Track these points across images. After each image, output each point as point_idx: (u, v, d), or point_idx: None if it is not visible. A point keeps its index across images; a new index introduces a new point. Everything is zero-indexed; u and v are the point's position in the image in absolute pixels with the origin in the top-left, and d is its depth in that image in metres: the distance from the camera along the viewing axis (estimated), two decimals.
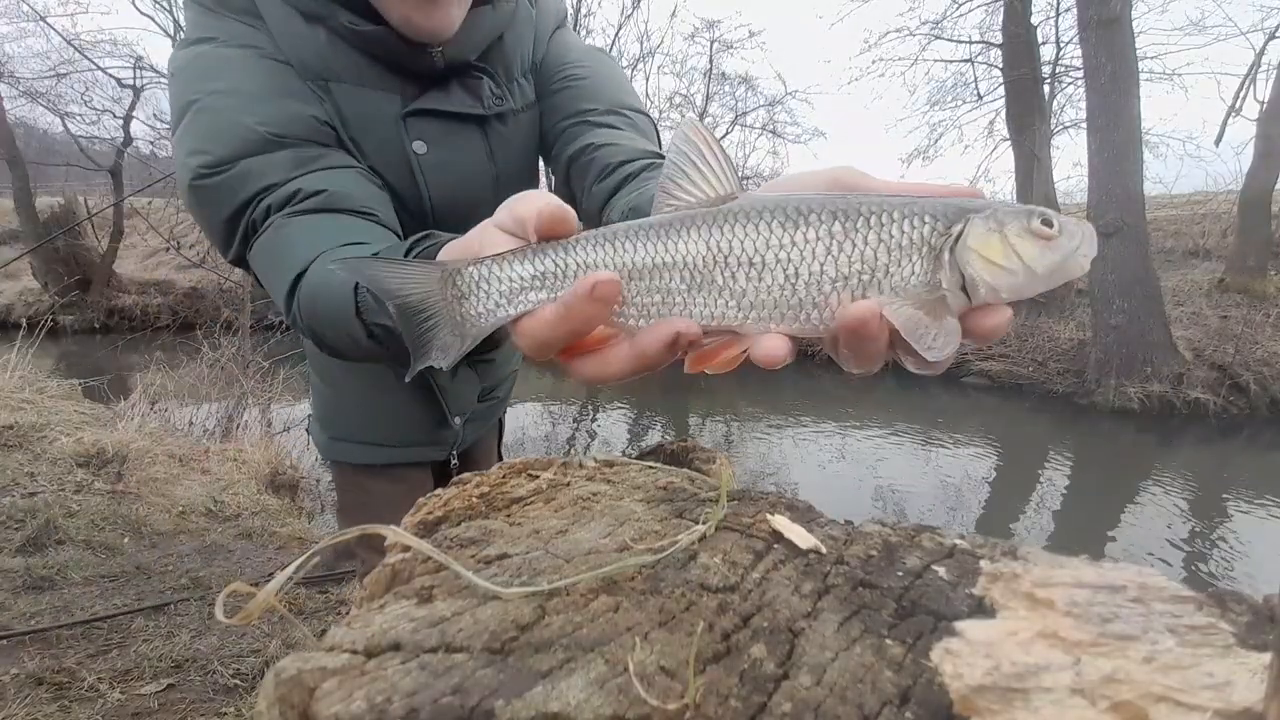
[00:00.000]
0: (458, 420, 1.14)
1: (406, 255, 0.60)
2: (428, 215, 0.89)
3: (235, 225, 0.74)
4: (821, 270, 0.40)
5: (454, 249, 0.54)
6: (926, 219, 0.40)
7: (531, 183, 1.00)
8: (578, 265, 0.42)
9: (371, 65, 0.82)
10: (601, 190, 0.82)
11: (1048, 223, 0.41)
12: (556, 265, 0.42)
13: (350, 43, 0.81)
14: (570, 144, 0.90)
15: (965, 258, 0.39)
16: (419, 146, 0.85)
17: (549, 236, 0.44)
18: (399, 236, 0.75)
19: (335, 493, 1.29)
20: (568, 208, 0.44)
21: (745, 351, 0.42)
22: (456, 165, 0.88)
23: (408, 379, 0.51)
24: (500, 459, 1.10)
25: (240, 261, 0.77)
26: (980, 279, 0.39)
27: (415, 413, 1.11)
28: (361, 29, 0.79)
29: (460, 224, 0.77)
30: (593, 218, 0.78)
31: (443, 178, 0.87)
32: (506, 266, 0.44)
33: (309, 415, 1.22)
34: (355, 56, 0.81)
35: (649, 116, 0.96)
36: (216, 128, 0.73)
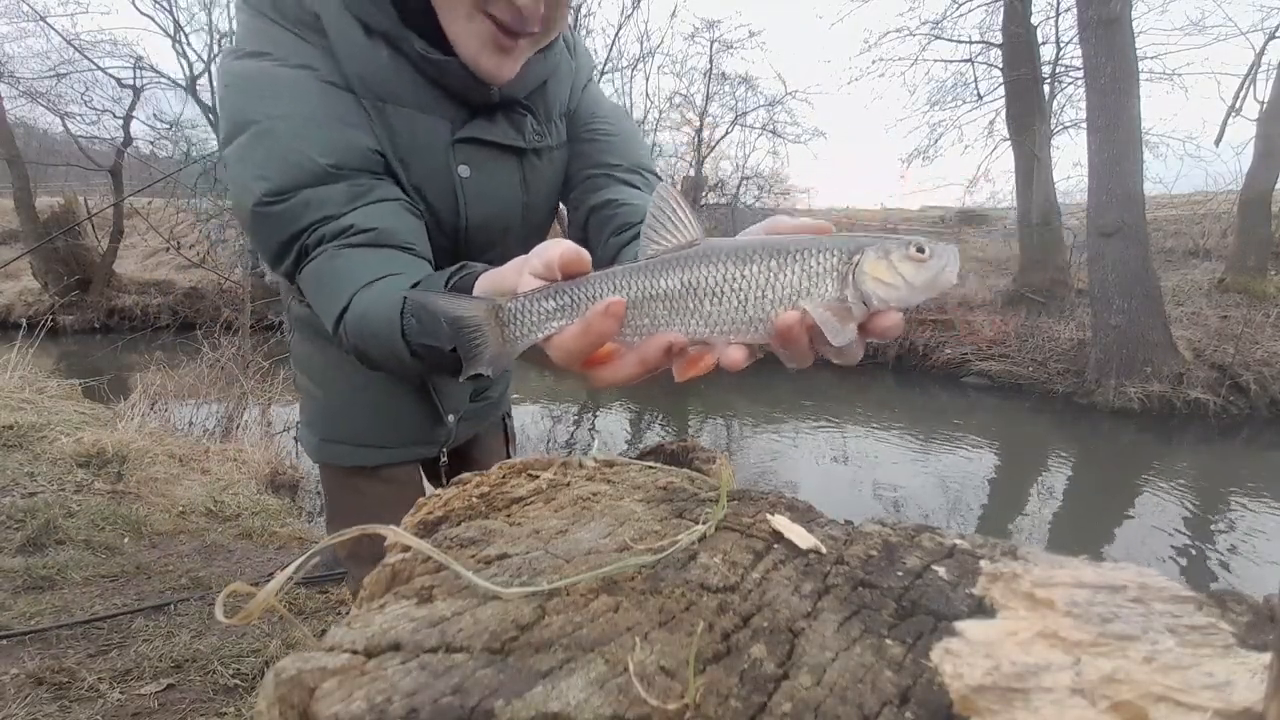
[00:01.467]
0: (451, 418, 1.18)
1: (446, 283, 0.69)
2: (460, 232, 0.94)
3: (290, 248, 0.80)
4: (763, 295, 0.53)
5: (490, 279, 0.64)
6: (835, 252, 0.52)
7: (553, 214, 1.07)
8: (587, 298, 0.55)
9: (430, 90, 0.86)
10: (617, 243, 0.92)
11: (921, 249, 0.51)
12: (573, 299, 0.55)
13: (416, 67, 0.85)
14: (595, 193, 0.99)
15: (862, 278, 0.52)
16: (464, 170, 0.91)
17: (570, 274, 0.56)
18: (432, 264, 0.82)
19: (324, 498, 1.29)
20: (584, 252, 0.56)
21: (717, 359, 0.55)
22: (494, 191, 0.94)
23: (462, 379, 0.63)
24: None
25: (288, 277, 0.83)
26: (874, 293, 0.52)
27: (411, 411, 1.15)
28: (433, 58, 0.83)
29: (488, 243, 0.86)
30: (604, 264, 0.87)
31: (480, 201, 0.93)
32: (537, 302, 0.56)
33: (298, 422, 1.23)
34: (416, 80, 0.85)
35: (660, 177, 1.06)
36: (279, 156, 0.78)
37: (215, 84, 0.84)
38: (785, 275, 0.52)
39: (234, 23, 0.86)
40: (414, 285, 0.73)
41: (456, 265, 0.71)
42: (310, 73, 0.81)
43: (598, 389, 0.61)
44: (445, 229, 0.93)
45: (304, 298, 1.01)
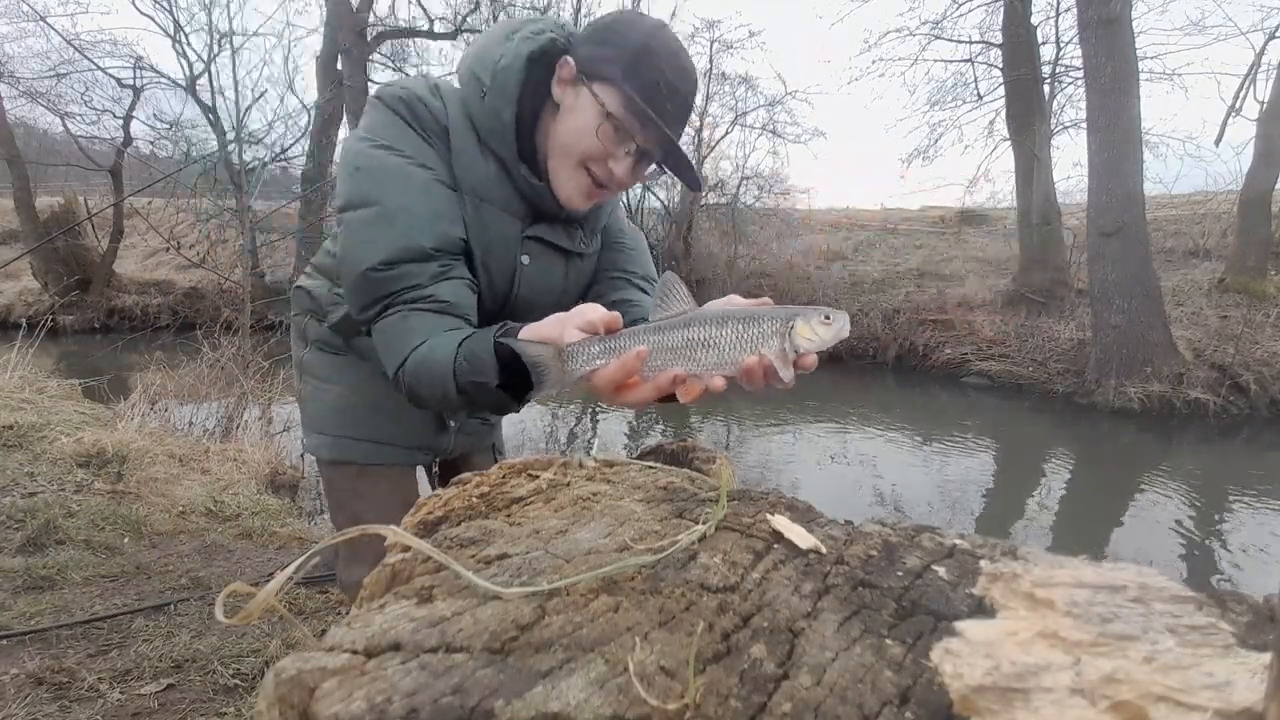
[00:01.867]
0: (453, 424, 1.37)
1: (494, 334, 0.93)
2: (509, 302, 1.18)
3: (380, 303, 1.01)
4: (734, 347, 0.81)
5: (532, 329, 0.88)
6: (778, 320, 0.81)
7: (579, 301, 1.30)
8: (622, 347, 0.81)
9: (519, 199, 1.12)
10: None
11: (828, 317, 0.82)
12: (612, 346, 0.82)
13: (514, 182, 1.10)
14: (615, 291, 1.25)
15: (794, 336, 0.81)
16: (525, 259, 1.16)
17: (609, 331, 0.83)
18: (475, 327, 1.04)
19: (329, 500, 1.41)
20: (618, 315, 0.84)
21: (706, 386, 0.82)
22: (543, 278, 1.19)
23: (524, 404, 0.98)
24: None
25: (364, 321, 1.04)
26: (801, 345, 0.81)
27: (422, 416, 1.32)
28: (534, 183, 1.09)
29: (526, 314, 1.07)
30: None
31: (531, 283, 1.18)
32: (587, 346, 0.83)
33: (301, 439, 1.36)
34: (511, 191, 1.10)
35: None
36: (396, 237, 1.00)
37: (344, 157, 1.07)
38: (748, 334, 0.81)
39: (366, 113, 1.09)
40: (466, 338, 0.96)
41: (499, 324, 0.95)
42: (429, 173, 1.04)
43: (622, 407, 0.90)
44: (497, 298, 1.16)
45: (324, 319, 1.29)
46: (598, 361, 0.82)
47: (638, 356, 0.79)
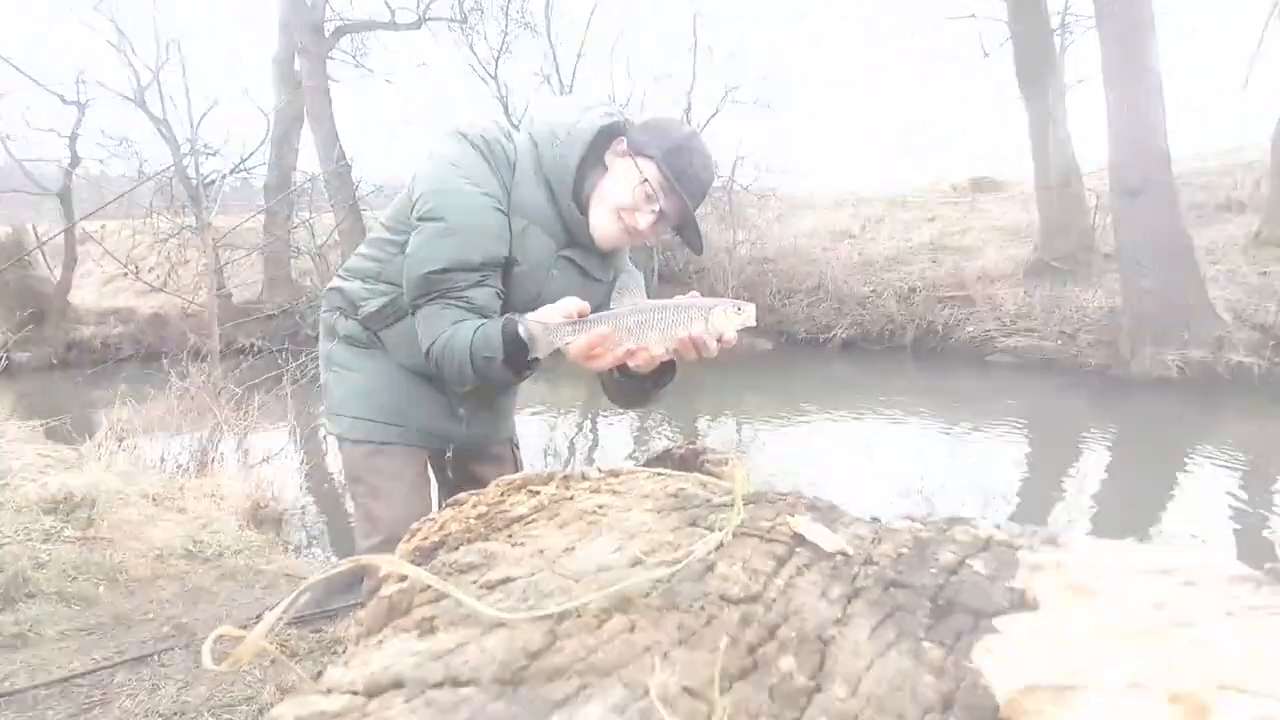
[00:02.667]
0: (462, 411, 1.68)
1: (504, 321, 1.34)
2: (534, 301, 1.46)
3: (427, 294, 1.41)
4: (670, 327, 1.21)
5: (533, 315, 1.28)
6: (702, 308, 1.21)
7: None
8: (590, 328, 1.20)
9: (560, 226, 1.51)
10: None
11: (740, 309, 1.22)
12: (582, 327, 1.21)
13: (560, 212, 1.49)
14: None
15: (714, 320, 1.21)
16: (555, 272, 1.54)
17: (580, 315, 1.23)
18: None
19: (347, 473, 1.70)
20: (587, 305, 1.27)
21: (652, 354, 1.22)
22: (564, 290, 1.49)
23: (522, 378, 1.48)
24: None
25: (415, 305, 1.44)
26: (717, 329, 1.21)
27: (435, 402, 1.65)
28: (577, 217, 1.48)
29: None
30: None
31: (555, 291, 1.48)
32: (565, 326, 1.23)
33: (325, 422, 1.71)
34: (556, 218, 1.50)
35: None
36: (454, 250, 1.39)
37: (430, 179, 1.44)
38: (680, 318, 1.20)
39: (450, 144, 1.44)
40: (481, 325, 1.35)
41: (506, 315, 1.37)
42: (491, 200, 1.42)
43: (593, 369, 1.27)
44: (528, 298, 1.49)
45: (355, 314, 1.61)
46: (571, 338, 1.21)
47: (601, 336, 1.19)
